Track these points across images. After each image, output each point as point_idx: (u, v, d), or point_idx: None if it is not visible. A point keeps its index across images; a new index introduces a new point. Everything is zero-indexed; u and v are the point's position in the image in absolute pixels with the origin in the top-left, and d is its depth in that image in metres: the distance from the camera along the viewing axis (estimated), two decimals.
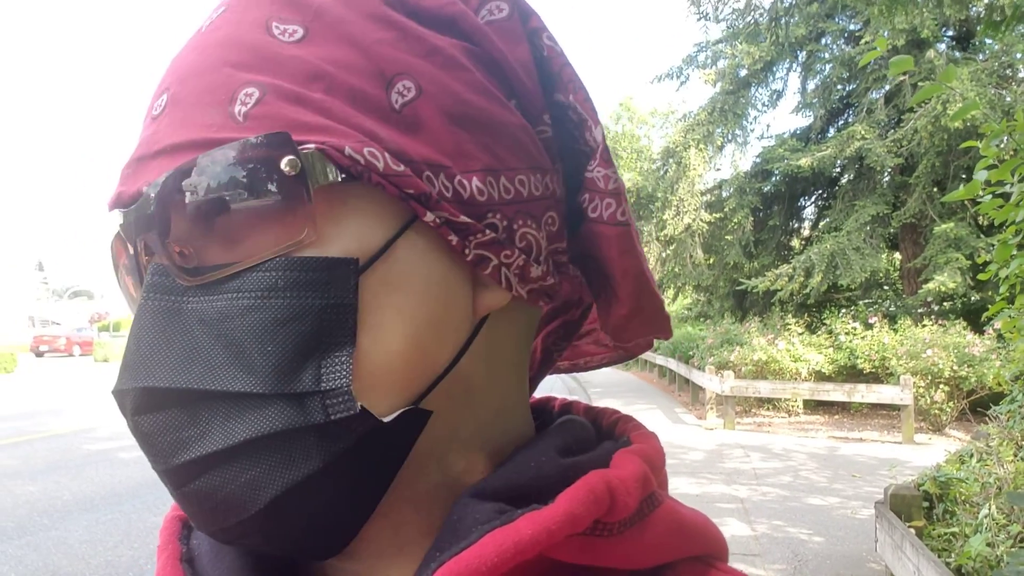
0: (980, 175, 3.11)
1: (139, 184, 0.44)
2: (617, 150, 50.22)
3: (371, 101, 0.43)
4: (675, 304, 26.65)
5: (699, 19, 12.53)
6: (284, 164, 0.40)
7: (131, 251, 0.45)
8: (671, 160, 18.58)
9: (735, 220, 17.55)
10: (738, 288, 17.15)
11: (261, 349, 0.40)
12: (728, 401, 12.34)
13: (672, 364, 17.77)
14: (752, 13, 10.35)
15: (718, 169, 22.08)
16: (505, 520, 0.42)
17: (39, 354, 41.96)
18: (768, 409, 14.08)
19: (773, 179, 17.78)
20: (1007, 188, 3.22)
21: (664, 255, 19.18)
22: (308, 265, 0.40)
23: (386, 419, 0.42)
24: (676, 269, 18.90)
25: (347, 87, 0.43)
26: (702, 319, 22.32)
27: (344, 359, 0.41)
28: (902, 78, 14.31)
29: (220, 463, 0.41)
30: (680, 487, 7.91)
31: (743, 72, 17.64)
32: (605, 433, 0.56)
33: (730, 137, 18.65)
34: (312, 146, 0.41)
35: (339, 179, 0.41)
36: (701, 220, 18.11)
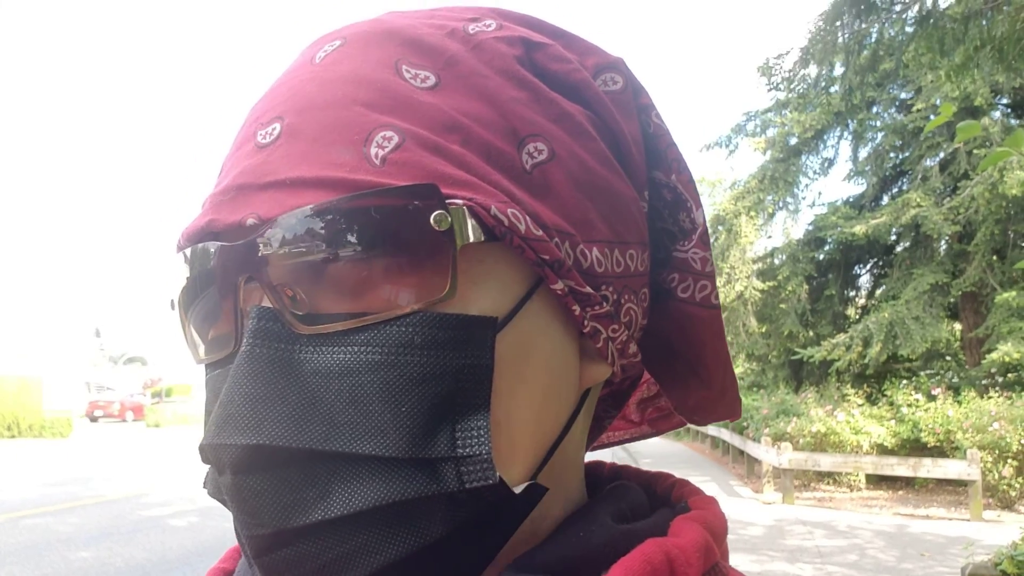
0: None
1: (241, 215, 0.40)
2: None
3: (505, 159, 0.42)
4: None
5: (770, 89, 12.63)
6: (433, 218, 0.38)
7: (228, 290, 0.41)
8: (721, 228, 18.50)
9: (789, 288, 17.36)
10: (793, 357, 16.81)
11: (393, 409, 0.36)
12: (786, 474, 11.97)
13: (725, 435, 17.38)
14: (822, 83, 10.41)
15: (769, 237, 21.81)
16: None
17: (94, 419, 42.74)
18: (828, 483, 13.62)
19: (827, 247, 17.62)
20: None
21: None
22: (448, 323, 0.38)
23: (516, 491, 0.39)
24: (729, 338, 18.58)
25: (482, 142, 0.42)
26: (755, 389, 21.88)
27: (481, 424, 0.38)
28: (957, 146, 14.17)
29: (334, 529, 0.37)
30: (739, 564, 7.61)
31: (793, 140, 17.65)
32: (661, 499, 0.53)
33: (781, 204, 18.57)
34: (460, 202, 0.39)
35: (481, 238, 0.39)
36: (753, 288, 17.93)
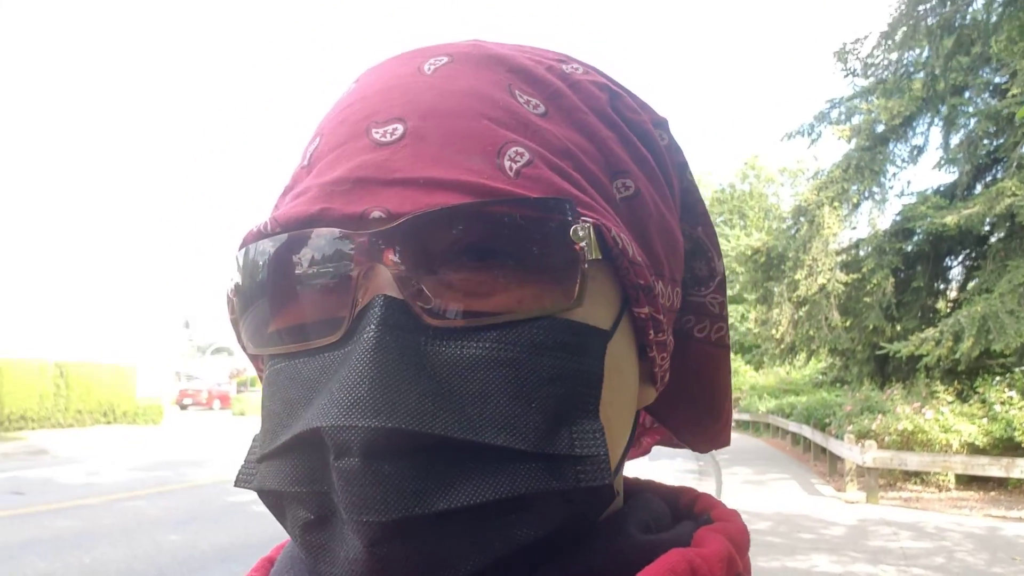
0: None
1: (364, 207, 0.41)
2: (744, 209, 49.37)
3: (604, 189, 0.45)
4: (807, 368, 25.59)
5: (846, 75, 12.19)
6: (572, 232, 0.40)
7: (341, 278, 0.41)
8: (803, 219, 17.96)
9: (874, 281, 16.76)
10: (879, 352, 16.23)
11: (523, 405, 0.38)
12: (871, 473, 11.61)
13: (807, 432, 16.95)
14: (907, 68, 10.00)
15: (854, 228, 20.93)
16: None
17: (183, 407, 44.47)
18: (915, 483, 13.16)
19: (915, 238, 16.91)
20: None
21: (796, 317, 18.44)
22: (575, 330, 0.41)
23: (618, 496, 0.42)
24: (810, 332, 18.08)
25: (589, 171, 0.45)
26: (838, 384, 21.27)
27: (596, 427, 0.40)
28: None
29: (457, 519, 0.37)
30: (820, 565, 7.44)
31: (880, 128, 17.01)
32: (683, 512, 0.55)
33: (867, 194, 17.89)
34: (590, 221, 0.41)
35: (599, 256, 0.42)
36: (837, 281, 17.37)
